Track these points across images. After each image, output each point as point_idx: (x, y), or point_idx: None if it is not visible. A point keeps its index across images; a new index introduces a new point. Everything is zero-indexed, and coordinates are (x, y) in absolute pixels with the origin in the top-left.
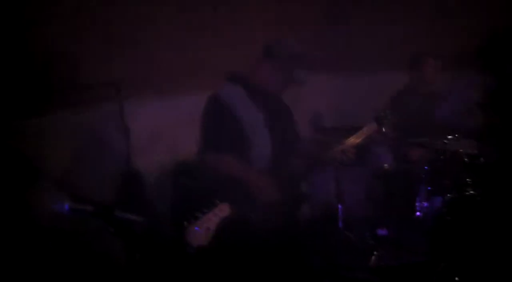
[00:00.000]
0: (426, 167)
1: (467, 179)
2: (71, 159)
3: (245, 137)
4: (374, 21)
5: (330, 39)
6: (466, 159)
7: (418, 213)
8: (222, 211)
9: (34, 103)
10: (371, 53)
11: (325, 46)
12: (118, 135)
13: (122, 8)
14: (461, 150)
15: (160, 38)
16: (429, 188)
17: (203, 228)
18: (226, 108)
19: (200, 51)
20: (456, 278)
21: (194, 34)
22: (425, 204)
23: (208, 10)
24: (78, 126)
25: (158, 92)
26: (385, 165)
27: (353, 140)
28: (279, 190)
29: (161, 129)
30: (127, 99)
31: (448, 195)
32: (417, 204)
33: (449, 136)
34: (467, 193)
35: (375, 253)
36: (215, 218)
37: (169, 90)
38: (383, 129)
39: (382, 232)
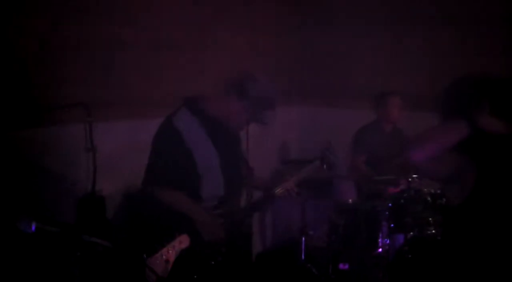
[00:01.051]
0: (389, 204)
1: (429, 218)
2: (36, 177)
3: (197, 174)
4: (345, 54)
5: (301, 71)
6: (429, 198)
7: (379, 250)
8: (182, 242)
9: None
10: (341, 88)
11: (296, 78)
12: (85, 155)
13: (95, 29)
14: (424, 189)
15: (131, 60)
16: (391, 225)
17: (163, 260)
18: (178, 136)
19: (171, 74)
20: None
21: (166, 57)
22: (387, 240)
23: (181, 33)
24: (45, 145)
25: (128, 115)
26: (349, 200)
27: (295, 177)
28: (225, 229)
29: (128, 152)
30: (96, 120)
31: (410, 233)
32: (379, 240)
33: (414, 175)
34: (428, 232)
35: None
36: (174, 250)
37: (138, 113)
38: (325, 167)
39: (343, 266)
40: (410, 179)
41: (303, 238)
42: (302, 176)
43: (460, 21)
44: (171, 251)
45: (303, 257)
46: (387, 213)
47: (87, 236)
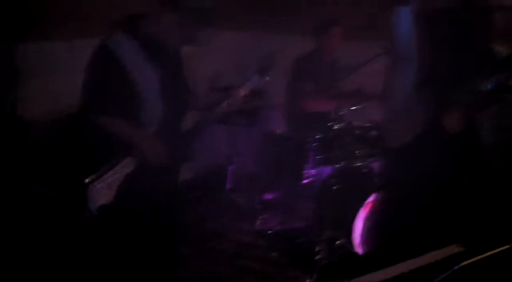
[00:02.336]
0: (318, 136)
1: (356, 151)
2: None
3: (136, 97)
4: None
5: None
6: (358, 131)
7: (306, 180)
8: (126, 166)
9: None
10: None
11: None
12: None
13: None
14: (354, 122)
15: None
16: (318, 157)
17: (105, 186)
18: (116, 61)
19: None
20: (338, 242)
21: None
22: (313, 172)
23: None
24: None
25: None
26: (277, 130)
27: (242, 89)
28: (168, 151)
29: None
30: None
31: (338, 164)
32: (306, 171)
33: (347, 108)
34: (354, 165)
35: (261, 216)
36: (119, 174)
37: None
38: (267, 79)
39: (269, 196)
40: (342, 111)
41: (230, 167)
42: (248, 88)
43: None
44: (115, 175)
45: (228, 186)
46: (315, 144)
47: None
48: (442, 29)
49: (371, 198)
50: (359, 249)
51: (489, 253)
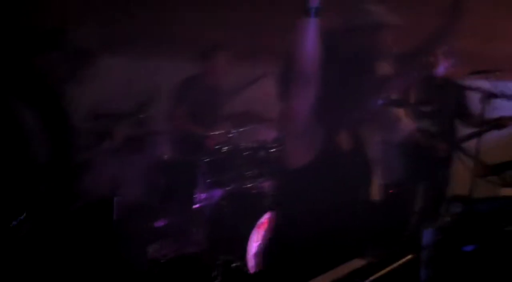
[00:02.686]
0: (207, 159)
1: (247, 172)
2: None
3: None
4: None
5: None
6: (247, 153)
7: (197, 205)
8: None
9: None
10: (164, 39)
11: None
12: None
13: None
14: (243, 144)
15: None
16: (208, 180)
17: None
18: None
19: None
20: (233, 265)
21: None
22: (204, 195)
23: None
24: None
25: None
26: (165, 156)
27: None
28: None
29: None
30: None
31: (228, 187)
32: (196, 195)
33: (235, 130)
34: (245, 186)
35: (153, 245)
36: None
37: None
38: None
39: (160, 223)
40: (230, 134)
41: (115, 197)
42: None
43: None
44: None
45: (115, 216)
46: (204, 167)
47: None
48: (338, 48)
49: (263, 219)
50: (254, 270)
51: (393, 265)
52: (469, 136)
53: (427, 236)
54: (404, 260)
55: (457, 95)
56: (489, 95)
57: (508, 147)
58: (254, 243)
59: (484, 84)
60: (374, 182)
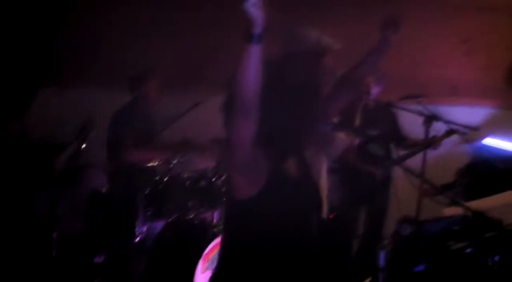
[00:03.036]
0: (147, 190)
1: (188, 203)
2: None
3: None
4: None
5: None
6: (188, 183)
7: (137, 238)
8: None
9: None
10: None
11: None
12: None
13: None
14: (184, 174)
15: None
16: (149, 212)
17: None
18: None
19: None
20: None
21: None
22: (145, 228)
23: None
24: None
25: None
26: (102, 189)
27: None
28: None
29: None
30: None
31: (170, 218)
32: (136, 228)
33: (175, 160)
34: (187, 217)
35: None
36: None
37: None
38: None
39: (99, 259)
40: (170, 164)
41: (53, 233)
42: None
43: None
44: None
45: (54, 253)
46: (144, 199)
47: None
48: (281, 73)
49: (208, 249)
50: None
51: None
52: (405, 158)
53: (382, 258)
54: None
55: (390, 118)
56: (430, 118)
57: (450, 167)
58: (201, 274)
59: (418, 107)
60: (323, 206)
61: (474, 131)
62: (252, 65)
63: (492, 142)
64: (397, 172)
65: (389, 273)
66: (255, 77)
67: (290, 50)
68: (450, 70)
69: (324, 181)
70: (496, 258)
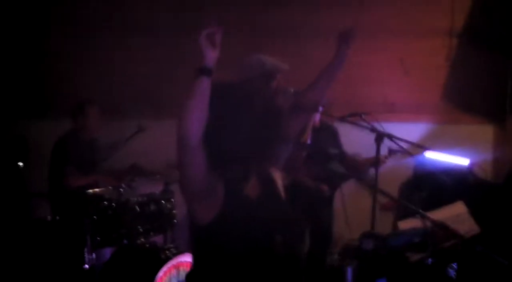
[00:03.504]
0: (94, 217)
1: (138, 227)
2: None
3: None
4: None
5: None
6: (137, 207)
7: (86, 266)
8: None
9: None
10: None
11: None
12: None
13: None
14: (132, 198)
15: None
16: (98, 239)
17: None
18: None
19: None
20: None
21: None
22: (93, 255)
23: None
24: None
25: None
26: (48, 217)
27: None
28: None
29: None
30: None
31: (119, 244)
32: (85, 255)
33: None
34: (138, 241)
35: None
36: None
37: None
38: None
39: None
40: (120, 190)
41: None
42: None
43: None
44: None
45: None
46: (92, 226)
47: None
48: (235, 98)
49: (161, 273)
50: None
51: None
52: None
53: (349, 273)
54: None
55: (332, 136)
56: (381, 136)
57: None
58: None
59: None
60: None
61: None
62: (201, 98)
63: (433, 155)
64: (346, 188)
65: None
66: (202, 111)
67: (243, 75)
68: (388, 88)
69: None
70: (454, 267)
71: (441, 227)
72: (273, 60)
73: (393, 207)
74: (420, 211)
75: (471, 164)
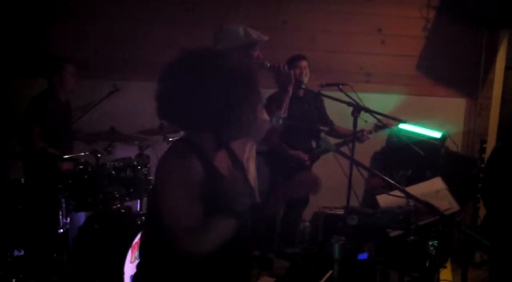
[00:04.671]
0: (69, 181)
1: (115, 192)
2: None
3: None
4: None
5: None
6: (113, 172)
7: (60, 230)
8: None
9: None
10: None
11: None
12: None
13: None
14: (108, 163)
15: None
16: (73, 203)
17: None
18: None
19: None
20: None
21: None
22: (67, 219)
23: None
24: None
25: None
26: (22, 180)
27: None
28: None
29: None
30: None
31: (95, 209)
32: (60, 219)
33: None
34: (114, 207)
35: (12, 279)
36: None
37: None
38: None
39: (19, 252)
40: (98, 154)
41: None
42: None
43: None
44: None
45: None
46: (66, 189)
47: None
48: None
49: (137, 238)
50: None
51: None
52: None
53: (337, 251)
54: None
55: (318, 106)
56: (358, 108)
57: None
58: (130, 263)
59: (342, 96)
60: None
61: (400, 123)
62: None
63: (406, 127)
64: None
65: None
66: None
67: (228, 43)
68: (365, 57)
69: (253, 165)
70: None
71: (425, 205)
72: (256, 31)
73: (380, 186)
74: (403, 189)
75: (443, 136)
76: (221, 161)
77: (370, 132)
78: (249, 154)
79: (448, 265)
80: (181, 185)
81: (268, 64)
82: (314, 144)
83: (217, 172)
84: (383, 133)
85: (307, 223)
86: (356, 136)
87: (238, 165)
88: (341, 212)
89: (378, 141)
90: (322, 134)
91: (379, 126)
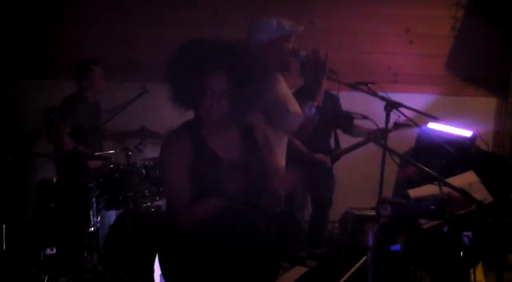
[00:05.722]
0: (100, 179)
1: (145, 191)
2: None
3: None
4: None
5: None
6: (143, 171)
7: (91, 228)
8: None
9: None
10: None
11: None
12: None
13: None
14: (138, 162)
15: None
16: (103, 201)
17: None
18: None
19: None
20: None
21: None
22: (98, 218)
23: None
24: None
25: None
26: (54, 179)
27: None
28: None
29: None
30: None
31: (126, 208)
32: (90, 219)
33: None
34: (144, 205)
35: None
36: None
37: None
38: None
39: (51, 251)
40: (129, 152)
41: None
42: None
43: None
44: None
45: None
46: (97, 189)
47: None
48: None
49: None
50: None
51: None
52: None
53: (370, 238)
54: (361, 262)
55: (335, 106)
56: (391, 104)
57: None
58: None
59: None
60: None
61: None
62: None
63: (436, 126)
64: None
65: (377, 253)
66: None
67: (263, 36)
68: (393, 58)
69: (282, 156)
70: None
71: (462, 193)
72: (290, 22)
73: (413, 174)
74: (438, 176)
75: (474, 135)
76: (222, 143)
77: (390, 130)
78: (278, 143)
79: (480, 267)
80: (170, 163)
81: (304, 54)
82: (332, 144)
83: (209, 150)
84: (413, 133)
85: (336, 224)
86: (373, 136)
87: (253, 151)
88: (370, 212)
89: (407, 141)
90: (355, 122)
91: (399, 125)
